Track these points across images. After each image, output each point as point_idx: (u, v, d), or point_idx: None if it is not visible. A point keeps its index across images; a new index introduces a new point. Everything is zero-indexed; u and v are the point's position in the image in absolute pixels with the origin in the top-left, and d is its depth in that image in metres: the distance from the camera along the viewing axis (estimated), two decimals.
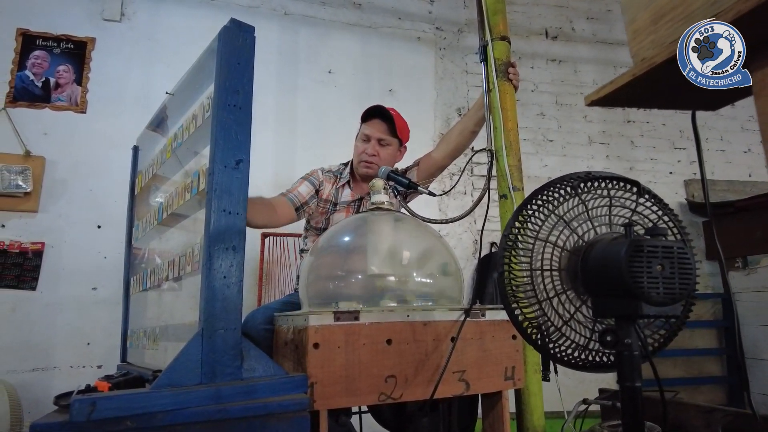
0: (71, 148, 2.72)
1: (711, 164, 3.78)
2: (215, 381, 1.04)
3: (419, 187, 1.65)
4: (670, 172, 3.72)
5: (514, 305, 0.82)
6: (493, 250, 3.20)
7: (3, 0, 2.78)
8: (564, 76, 3.72)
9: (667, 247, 0.71)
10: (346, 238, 1.54)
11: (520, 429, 1.50)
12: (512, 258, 0.82)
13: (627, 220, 0.84)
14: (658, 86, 0.89)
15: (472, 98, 3.43)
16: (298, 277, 1.89)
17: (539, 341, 0.82)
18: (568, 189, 0.83)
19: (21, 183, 2.53)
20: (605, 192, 0.85)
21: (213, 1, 3.13)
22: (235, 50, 1.18)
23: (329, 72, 3.27)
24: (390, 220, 1.46)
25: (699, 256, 3.40)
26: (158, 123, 1.75)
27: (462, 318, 1.28)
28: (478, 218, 3.24)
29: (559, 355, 0.83)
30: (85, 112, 2.79)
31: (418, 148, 2.30)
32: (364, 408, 1.68)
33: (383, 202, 1.48)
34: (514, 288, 0.81)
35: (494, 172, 1.66)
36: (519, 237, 0.82)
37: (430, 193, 1.65)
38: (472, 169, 3.37)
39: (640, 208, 0.86)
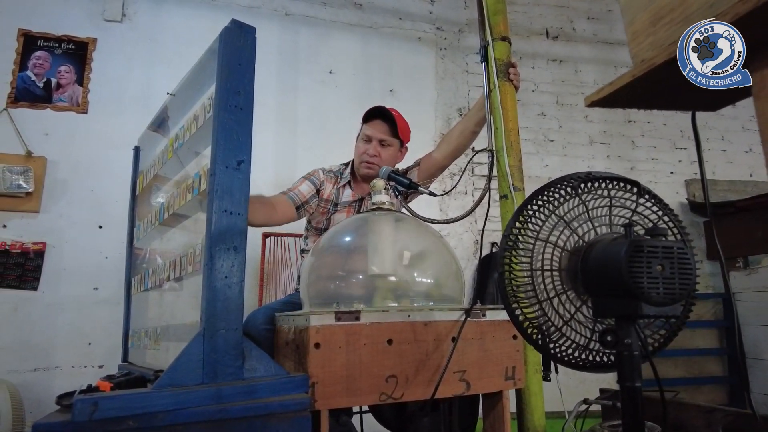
0: (72, 148, 2.73)
1: (712, 164, 3.78)
2: (216, 381, 1.05)
3: (420, 188, 1.65)
4: (671, 172, 3.72)
5: (515, 305, 0.82)
6: (494, 250, 3.20)
7: (4, 1, 2.78)
8: (565, 76, 3.72)
9: (667, 247, 0.72)
10: (347, 239, 1.54)
11: (521, 429, 1.51)
12: (513, 258, 0.82)
13: (627, 221, 0.84)
14: (658, 87, 0.89)
15: (472, 98, 3.43)
16: (299, 277, 1.89)
17: (540, 341, 0.83)
18: (569, 189, 0.83)
19: (22, 183, 2.54)
20: (605, 192, 0.85)
21: (214, 1, 3.13)
22: (236, 51, 1.18)
23: (330, 72, 3.28)
24: (391, 220, 1.46)
25: (700, 256, 3.40)
26: (159, 123, 1.75)
27: (463, 318, 1.28)
28: (479, 218, 3.24)
29: (559, 355, 0.83)
30: (86, 113, 2.80)
31: (418, 148, 2.30)
32: (365, 408, 1.68)
33: (384, 203, 1.48)
34: (514, 288, 0.81)
35: (495, 172, 1.66)
36: (519, 237, 0.82)
37: (431, 194, 1.65)
38: (472, 169, 3.37)
39: (640, 209, 0.86)
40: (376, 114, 1.88)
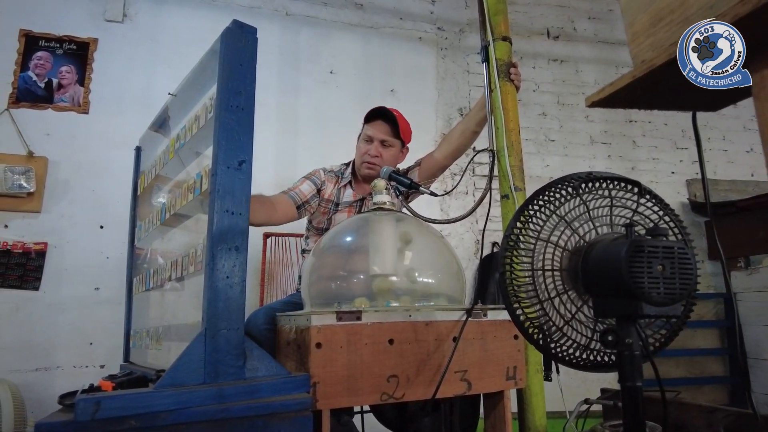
0: (74, 148, 2.73)
1: (713, 164, 3.78)
2: (218, 381, 1.05)
3: (421, 187, 1.65)
4: (672, 172, 3.72)
5: (516, 305, 0.82)
6: (495, 250, 3.20)
7: (6, 1, 2.79)
8: (565, 76, 3.72)
9: (668, 247, 0.72)
10: (348, 239, 1.54)
11: (522, 429, 1.51)
12: (514, 258, 0.82)
13: (628, 221, 0.84)
14: (658, 88, 0.89)
15: (473, 98, 3.43)
16: (300, 277, 1.89)
17: (541, 341, 0.83)
18: (570, 189, 0.83)
19: (24, 183, 2.54)
20: (606, 192, 0.85)
21: (215, 1, 3.13)
22: (237, 51, 1.19)
23: (331, 72, 3.28)
24: (392, 220, 1.46)
25: (701, 255, 3.40)
26: (161, 124, 1.75)
27: (464, 318, 1.28)
28: (480, 218, 3.24)
29: (560, 355, 0.84)
30: (87, 113, 2.80)
31: (419, 148, 2.31)
32: (366, 408, 1.68)
33: (385, 203, 1.48)
34: (515, 288, 0.82)
35: (496, 172, 1.66)
36: (520, 237, 0.82)
37: (432, 193, 1.65)
38: (473, 169, 3.38)
39: (641, 209, 0.86)
40: (378, 114, 1.89)
